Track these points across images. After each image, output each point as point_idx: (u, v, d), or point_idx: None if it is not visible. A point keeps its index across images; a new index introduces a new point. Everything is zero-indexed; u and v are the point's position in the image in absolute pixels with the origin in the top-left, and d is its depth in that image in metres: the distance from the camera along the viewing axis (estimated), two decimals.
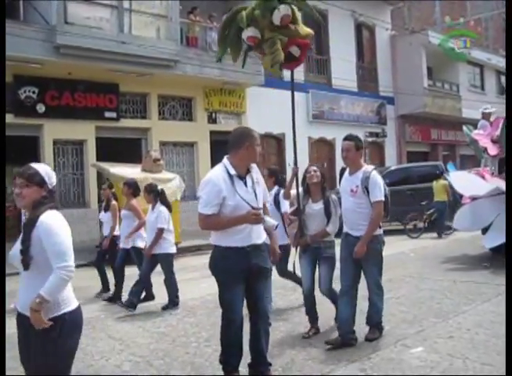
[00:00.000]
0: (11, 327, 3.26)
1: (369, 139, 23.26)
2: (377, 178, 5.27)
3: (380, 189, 5.24)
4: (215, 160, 16.09)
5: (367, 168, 5.35)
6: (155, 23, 14.73)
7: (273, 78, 18.48)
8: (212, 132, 17.16)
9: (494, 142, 10.08)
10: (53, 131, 14.00)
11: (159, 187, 7.77)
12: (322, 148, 21.16)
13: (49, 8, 13.16)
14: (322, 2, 20.57)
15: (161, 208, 7.39)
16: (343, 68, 21.66)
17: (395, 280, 8.44)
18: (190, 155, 16.97)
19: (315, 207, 5.61)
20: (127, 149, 15.42)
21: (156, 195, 7.54)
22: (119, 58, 13.81)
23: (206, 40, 16.32)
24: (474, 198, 9.99)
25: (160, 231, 7.23)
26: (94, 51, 13.21)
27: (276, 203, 6.77)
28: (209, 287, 8.50)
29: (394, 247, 12.01)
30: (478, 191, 9.73)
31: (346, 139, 5.39)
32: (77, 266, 10.09)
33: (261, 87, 17.62)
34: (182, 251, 13.11)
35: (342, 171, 5.98)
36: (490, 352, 4.87)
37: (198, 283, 9.20)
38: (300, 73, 20.04)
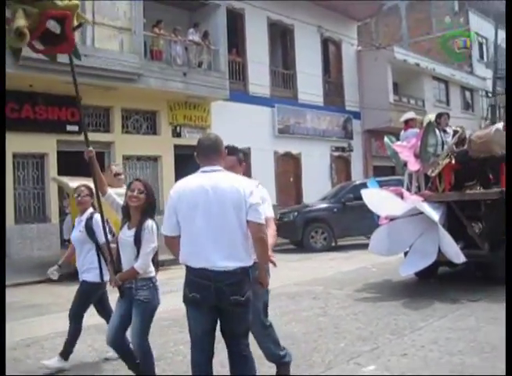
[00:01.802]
0: None
1: (335, 154, 23.40)
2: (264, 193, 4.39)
3: (269, 205, 4.41)
4: (180, 175, 15.93)
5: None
6: (118, 36, 14.59)
7: (238, 92, 18.59)
8: (176, 146, 17.03)
9: (416, 156, 9.09)
10: (13, 144, 13.65)
11: None
12: (287, 162, 21.19)
13: None
14: (288, 17, 20.77)
15: None
16: (309, 83, 21.78)
17: (354, 296, 8.42)
18: (154, 169, 16.78)
19: (129, 234, 4.47)
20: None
21: None
22: (81, 71, 13.38)
23: (170, 53, 16.23)
24: (391, 219, 8.83)
25: None
26: (55, 63, 13.00)
27: (89, 230, 5.46)
28: (165, 304, 8.38)
29: (357, 262, 12.04)
30: (395, 211, 8.64)
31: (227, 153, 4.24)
32: (35, 283, 9.93)
33: (226, 101, 17.60)
34: None
35: None
36: (442, 370, 4.84)
37: None
38: (266, 87, 20.13)
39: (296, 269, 11.92)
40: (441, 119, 9.69)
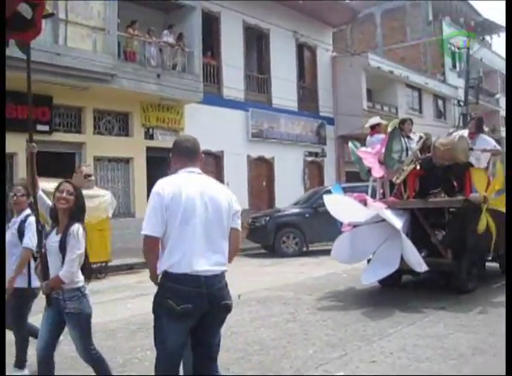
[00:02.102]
0: None
1: (309, 159, 23.45)
2: None
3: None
4: (152, 177, 15.79)
5: None
6: (92, 35, 14.40)
7: (212, 96, 18.50)
8: (149, 148, 16.85)
9: (381, 162, 8.94)
10: None
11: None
12: (261, 166, 21.16)
13: None
14: (264, 21, 20.80)
15: None
16: (283, 87, 21.80)
17: (324, 302, 8.40)
18: (125, 171, 16.56)
19: (55, 239, 4.19)
20: (60, 163, 14.93)
21: None
22: (53, 70, 13.39)
23: (144, 54, 16.07)
24: (354, 225, 8.65)
25: None
26: (26, 61, 12.79)
27: (21, 233, 5.19)
28: (134, 308, 8.28)
29: (328, 267, 12.02)
30: (357, 217, 8.53)
31: None
32: None
33: (200, 104, 17.49)
34: (114, 270, 12.78)
35: None
36: None
37: (125, 303, 8.91)
38: (240, 91, 20.08)
39: (267, 273, 11.89)
40: (405, 125, 9.50)
